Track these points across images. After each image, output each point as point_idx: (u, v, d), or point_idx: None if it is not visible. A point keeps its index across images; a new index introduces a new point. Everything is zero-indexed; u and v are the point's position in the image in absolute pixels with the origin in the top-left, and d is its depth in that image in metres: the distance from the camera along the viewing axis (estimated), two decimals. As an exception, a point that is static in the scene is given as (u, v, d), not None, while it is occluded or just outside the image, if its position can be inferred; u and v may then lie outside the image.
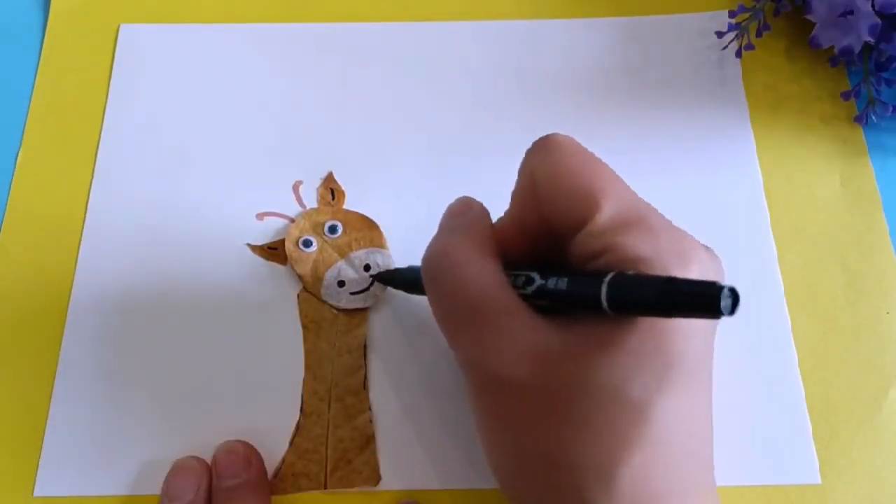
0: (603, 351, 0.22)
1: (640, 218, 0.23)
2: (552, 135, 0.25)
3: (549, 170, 0.24)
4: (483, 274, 0.24)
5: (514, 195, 0.26)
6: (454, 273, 0.24)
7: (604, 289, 0.21)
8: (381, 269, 0.33)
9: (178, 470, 0.30)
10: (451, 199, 0.35)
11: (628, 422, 0.22)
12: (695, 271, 0.22)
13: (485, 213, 0.26)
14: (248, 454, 0.30)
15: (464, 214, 0.26)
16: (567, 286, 0.23)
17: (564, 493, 0.23)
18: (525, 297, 0.24)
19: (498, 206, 0.35)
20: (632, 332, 0.21)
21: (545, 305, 0.24)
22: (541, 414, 0.23)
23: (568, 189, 0.24)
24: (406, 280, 0.31)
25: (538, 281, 0.24)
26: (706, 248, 0.24)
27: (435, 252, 0.25)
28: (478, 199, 0.35)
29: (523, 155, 0.25)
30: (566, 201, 0.24)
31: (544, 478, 0.23)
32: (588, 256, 0.23)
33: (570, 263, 0.24)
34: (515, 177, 0.35)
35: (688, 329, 0.22)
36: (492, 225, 0.26)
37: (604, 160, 0.35)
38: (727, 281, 0.19)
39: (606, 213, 0.23)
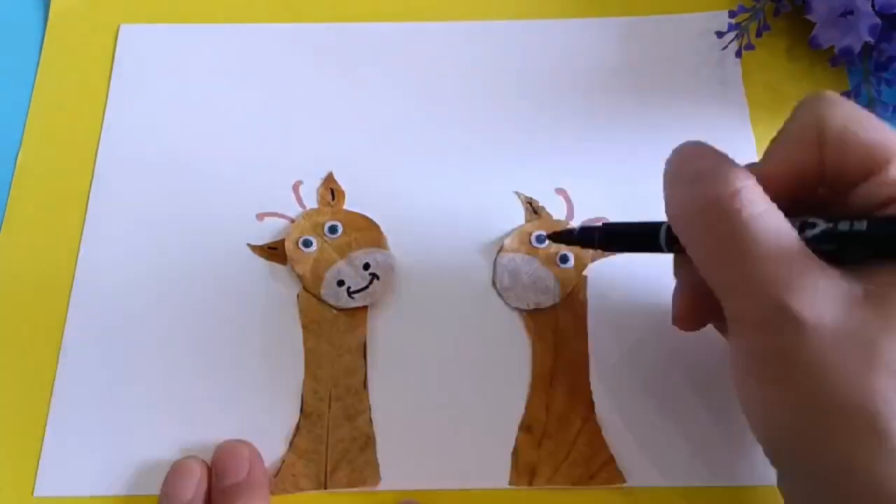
0: None
1: None
2: (828, 91, 0.25)
3: (840, 117, 0.24)
4: (774, 214, 0.23)
5: (789, 140, 0.25)
6: (745, 213, 0.23)
7: None
8: (381, 269, 0.33)
9: (177, 470, 0.30)
10: (451, 199, 0.35)
11: None
12: None
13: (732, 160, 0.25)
14: (247, 454, 0.30)
15: (712, 158, 0.25)
16: (868, 227, 0.23)
17: (869, 445, 0.22)
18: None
19: (498, 204, 0.35)
20: None
21: (827, 251, 0.23)
22: (848, 359, 0.22)
23: (860, 138, 0.24)
24: (634, 237, 0.29)
25: (823, 224, 0.24)
26: None
27: (712, 194, 0.24)
28: (478, 198, 0.35)
29: (802, 103, 0.25)
30: (858, 149, 0.24)
31: (843, 430, 0.22)
32: (876, 204, 0.23)
33: (844, 211, 0.24)
34: (517, 178, 0.36)
35: None
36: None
37: (603, 160, 0.35)
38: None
39: None
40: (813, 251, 0.23)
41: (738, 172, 0.24)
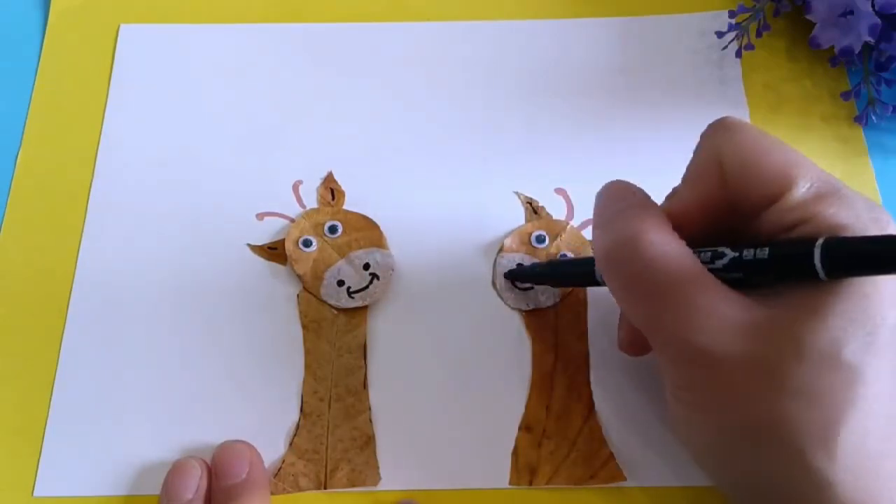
0: (814, 317, 0.22)
1: (835, 190, 0.23)
2: (729, 117, 0.26)
3: (737, 147, 0.25)
4: (675, 252, 0.24)
5: (693, 175, 0.26)
6: (646, 255, 0.24)
7: (817, 252, 0.22)
8: (381, 269, 0.33)
9: (177, 470, 0.30)
10: (451, 199, 0.35)
11: (844, 384, 0.22)
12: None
13: (647, 195, 0.26)
14: (247, 454, 0.30)
15: (630, 195, 0.26)
16: (769, 255, 0.23)
17: (785, 462, 0.23)
18: (713, 273, 0.24)
19: (498, 204, 0.35)
20: (840, 296, 0.22)
21: (737, 279, 0.24)
22: (755, 385, 0.23)
23: (760, 165, 0.24)
24: (577, 275, 0.31)
25: (730, 254, 0.24)
26: None
27: (619, 236, 0.25)
28: (478, 198, 0.35)
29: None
30: (759, 177, 0.24)
31: (761, 450, 0.23)
32: (782, 229, 0.24)
33: (752, 238, 0.24)
34: (517, 178, 0.36)
35: (889, 294, 0.22)
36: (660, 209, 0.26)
37: (603, 160, 0.35)
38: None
39: (802, 186, 0.24)
40: (724, 280, 0.24)
41: (644, 214, 0.25)
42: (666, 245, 0.24)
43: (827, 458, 0.22)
